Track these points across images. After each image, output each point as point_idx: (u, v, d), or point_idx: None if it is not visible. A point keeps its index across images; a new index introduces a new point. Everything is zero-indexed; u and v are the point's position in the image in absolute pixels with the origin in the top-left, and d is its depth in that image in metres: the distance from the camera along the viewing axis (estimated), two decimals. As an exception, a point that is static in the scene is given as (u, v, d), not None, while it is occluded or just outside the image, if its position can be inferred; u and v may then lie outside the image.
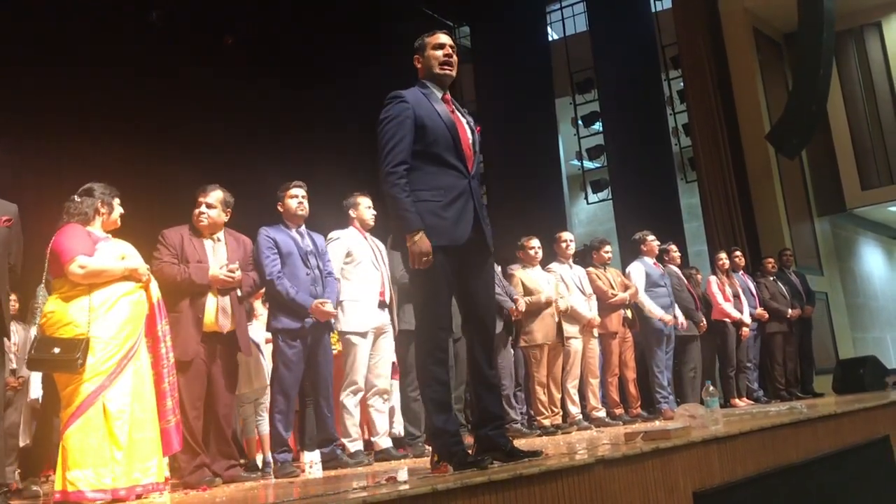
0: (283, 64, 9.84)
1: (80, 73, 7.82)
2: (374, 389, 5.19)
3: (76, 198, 3.92)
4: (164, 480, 3.93)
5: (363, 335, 5.05)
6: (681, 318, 7.35)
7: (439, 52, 3.38)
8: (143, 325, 3.88)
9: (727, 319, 8.07)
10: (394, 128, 3.23)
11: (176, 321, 4.28)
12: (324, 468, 4.73)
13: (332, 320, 4.87)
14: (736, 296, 8.22)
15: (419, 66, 3.44)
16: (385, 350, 5.23)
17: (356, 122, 10.20)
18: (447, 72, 3.39)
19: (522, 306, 6.22)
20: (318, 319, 4.73)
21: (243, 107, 9.13)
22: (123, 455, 3.60)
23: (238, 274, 4.49)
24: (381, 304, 5.20)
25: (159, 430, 3.85)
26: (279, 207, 4.95)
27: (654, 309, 7.15)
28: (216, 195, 4.57)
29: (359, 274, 5.15)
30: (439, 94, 3.39)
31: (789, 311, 8.59)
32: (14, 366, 5.78)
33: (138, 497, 3.62)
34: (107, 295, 3.72)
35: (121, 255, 3.87)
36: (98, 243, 3.82)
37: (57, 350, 3.54)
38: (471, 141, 3.40)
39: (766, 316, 8.44)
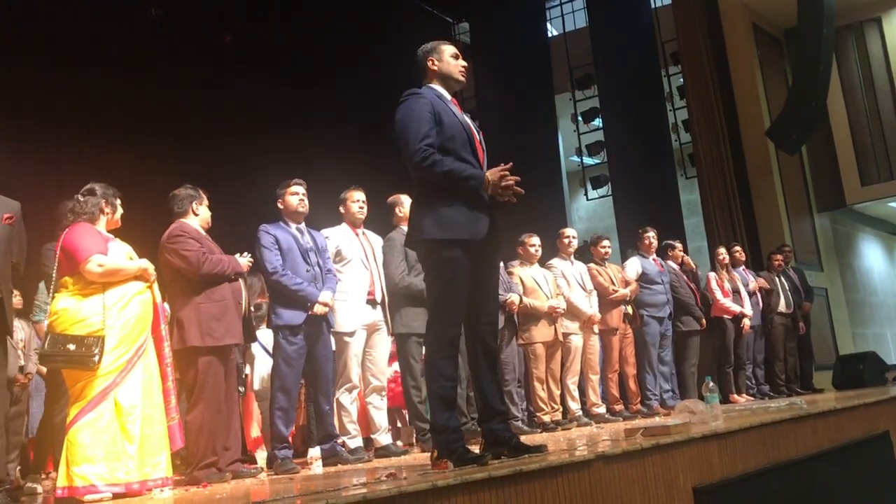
0: (281, 61, 9.83)
1: (78, 72, 7.82)
2: (371, 386, 5.20)
3: (80, 197, 3.95)
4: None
5: (351, 334, 5.06)
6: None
7: (459, 62, 3.52)
8: (150, 324, 3.92)
9: (726, 316, 8.07)
10: (415, 118, 3.26)
11: (225, 309, 4.36)
12: (324, 464, 4.74)
13: (330, 316, 4.88)
14: (735, 291, 8.21)
15: (434, 67, 3.49)
16: (380, 347, 5.24)
17: (355, 119, 10.22)
18: (463, 81, 3.54)
19: (516, 299, 6.16)
20: (316, 314, 4.74)
21: (241, 105, 9.13)
22: (136, 450, 3.67)
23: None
24: (372, 303, 5.20)
25: (166, 427, 3.90)
26: (279, 205, 4.96)
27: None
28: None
29: (348, 272, 5.16)
30: (448, 97, 3.48)
31: (781, 301, 8.53)
32: (22, 362, 5.79)
33: (149, 491, 3.67)
34: (121, 293, 3.79)
35: (127, 254, 3.94)
36: (108, 242, 3.88)
37: (72, 347, 3.60)
38: (478, 139, 3.48)
39: (759, 306, 8.42)
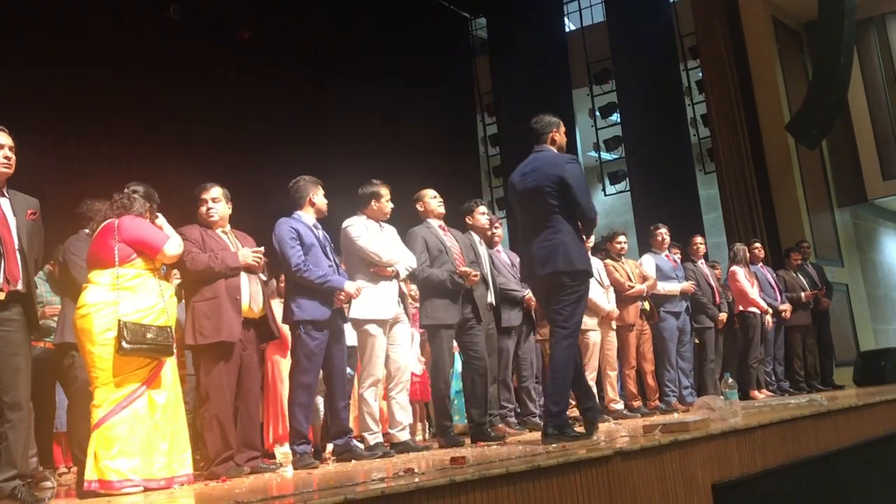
0: (298, 57, 9.87)
1: (98, 70, 7.87)
2: (396, 380, 5.13)
3: (133, 195, 3.97)
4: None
5: (380, 323, 5.03)
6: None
7: None
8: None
9: (756, 310, 7.97)
10: (585, 182, 4.35)
11: (217, 306, 4.33)
12: (337, 460, 4.73)
13: (346, 309, 4.88)
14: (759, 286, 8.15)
15: (557, 137, 4.55)
16: (403, 338, 5.19)
17: (372, 112, 10.24)
18: None
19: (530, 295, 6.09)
20: (344, 300, 4.75)
21: (258, 100, 9.17)
22: (168, 446, 3.74)
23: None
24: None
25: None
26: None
27: (670, 287, 7.21)
28: (217, 190, 4.59)
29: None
30: None
31: (803, 294, 8.52)
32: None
33: (178, 486, 3.73)
34: (166, 291, 3.90)
35: None
36: None
37: (150, 335, 3.67)
38: None
39: (789, 311, 8.34)
